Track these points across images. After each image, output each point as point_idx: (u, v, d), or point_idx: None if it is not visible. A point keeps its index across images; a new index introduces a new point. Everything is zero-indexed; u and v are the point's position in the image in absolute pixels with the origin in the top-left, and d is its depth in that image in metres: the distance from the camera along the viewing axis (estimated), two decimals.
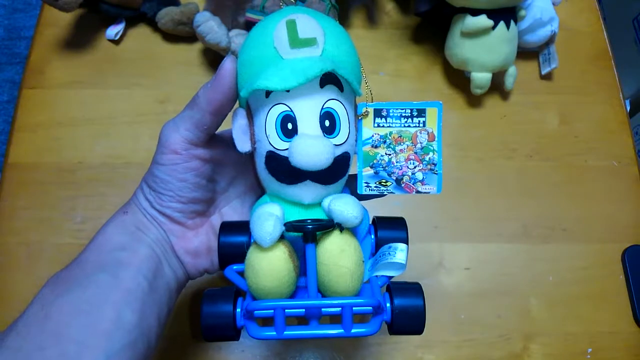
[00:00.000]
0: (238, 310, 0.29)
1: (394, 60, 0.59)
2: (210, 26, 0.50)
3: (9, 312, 0.45)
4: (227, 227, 0.31)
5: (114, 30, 0.57)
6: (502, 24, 0.50)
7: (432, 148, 0.30)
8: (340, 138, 0.28)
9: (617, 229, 0.51)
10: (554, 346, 0.47)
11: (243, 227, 0.30)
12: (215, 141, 0.32)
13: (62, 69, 0.56)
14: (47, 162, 0.52)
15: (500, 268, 0.49)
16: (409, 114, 0.30)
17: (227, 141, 0.31)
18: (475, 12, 0.50)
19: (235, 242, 0.30)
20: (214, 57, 0.57)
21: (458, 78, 0.57)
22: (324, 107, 0.27)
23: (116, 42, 0.57)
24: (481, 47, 0.51)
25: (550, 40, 0.57)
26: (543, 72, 0.57)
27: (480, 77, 0.52)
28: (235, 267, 0.30)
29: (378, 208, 0.50)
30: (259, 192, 0.32)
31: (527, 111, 0.56)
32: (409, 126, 0.30)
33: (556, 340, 0.47)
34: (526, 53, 0.58)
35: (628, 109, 0.63)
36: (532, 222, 0.51)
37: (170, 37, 0.58)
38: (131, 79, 0.56)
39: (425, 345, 0.46)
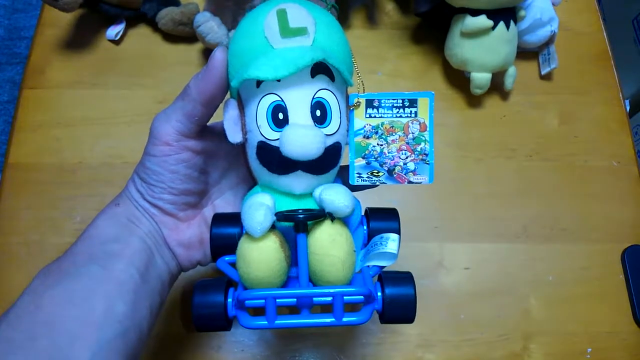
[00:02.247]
0: (229, 300, 0.29)
1: (393, 60, 0.59)
2: (211, 26, 0.50)
3: None
4: (219, 219, 0.31)
5: (114, 31, 0.57)
6: (501, 24, 0.50)
7: (423, 138, 0.30)
8: (331, 128, 0.28)
9: (617, 229, 0.51)
10: (553, 346, 0.47)
11: (235, 219, 0.30)
12: (207, 132, 0.32)
13: (63, 69, 0.56)
14: (48, 162, 0.52)
15: (500, 268, 0.49)
16: (401, 105, 0.30)
17: (219, 132, 0.31)
18: (475, 13, 0.50)
19: (227, 234, 0.30)
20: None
21: (458, 78, 0.57)
22: (315, 96, 0.27)
23: (116, 42, 0.57)
24: (481, 47, 0.51)
25: (550, 41, 0.57)
26: (543, 72, 0.58)
27: (480, 77, 0.52)
28: (227, 258, 0.30)
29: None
30: (252, 183, 0.32)
31: (527, 111, 0.56)
32: (400, 116, 0.30)
33: (556, 340, 0.47)
34: (526, 53, 0.59)
35: (628, 109, 0.63)
36: (532, 222, 0.51)
37: (171, 37, 0.58)
38: (131, 79, 0.56)
39: (425, 345, 0.46)
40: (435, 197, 0.52)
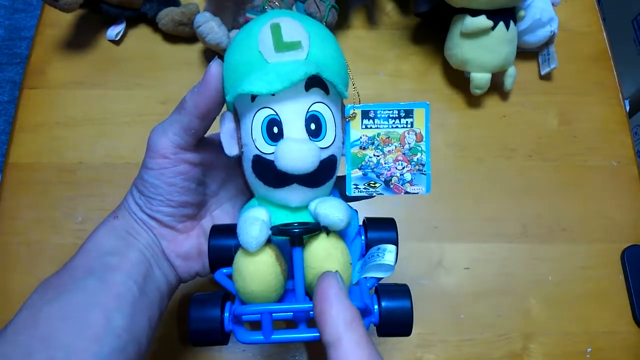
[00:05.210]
0: (226, 314, 0.29)
1: (393, 61, 0.59)
2: (211, 27, 0.50)
3: (9, 313, 0.45)
4: (218, 230, 0.31)
5: (114, 31, 0.57)
6: (501, 24, 0.50)
7: (420, 149, 0.30)
8: (326, 141, 0.28)
9: (616, 229, 0.51)
10: (553, 346, 0.47)
11: (233, 230, 0.30)
12: (205, 144, 0.32)
13: (63, 69, 0.56)
14: (48, 162, 0.52)
15: (500, 268, 0.49)
16: (397, 115, 0.30)
17: (216, 144, 0.31)
18: (474, 13, 0.50)
19: (225, 246, 0.30)
20: (214, 58, 0.57)
21: (458, 78, 0.57)
22: (310, 110, 0.27)
23: (117, 42, 0.57)
24: (481, 47, 0.51)
25: (549, 41, 0.57)
26: (542, 73, 0.58)
27: (480, 78, 0.52)
28: (225, 270, 0.30)
29: (377, 208, 0.50)
30: (250, 194, 0.32)
31: (526, 111, 0.57)
32: (396, 127, 0.30)
33: (556, 340, 0.47)
34: (526, 53, 0.59)
35: (627, 109, 0.63)
36: (532, 222, 0.51)
37: (171, 37, 0.58)
38: (132, 80, 0.56)
39: (425, 345, 0.46)
40: (435, 197, 0.52)
